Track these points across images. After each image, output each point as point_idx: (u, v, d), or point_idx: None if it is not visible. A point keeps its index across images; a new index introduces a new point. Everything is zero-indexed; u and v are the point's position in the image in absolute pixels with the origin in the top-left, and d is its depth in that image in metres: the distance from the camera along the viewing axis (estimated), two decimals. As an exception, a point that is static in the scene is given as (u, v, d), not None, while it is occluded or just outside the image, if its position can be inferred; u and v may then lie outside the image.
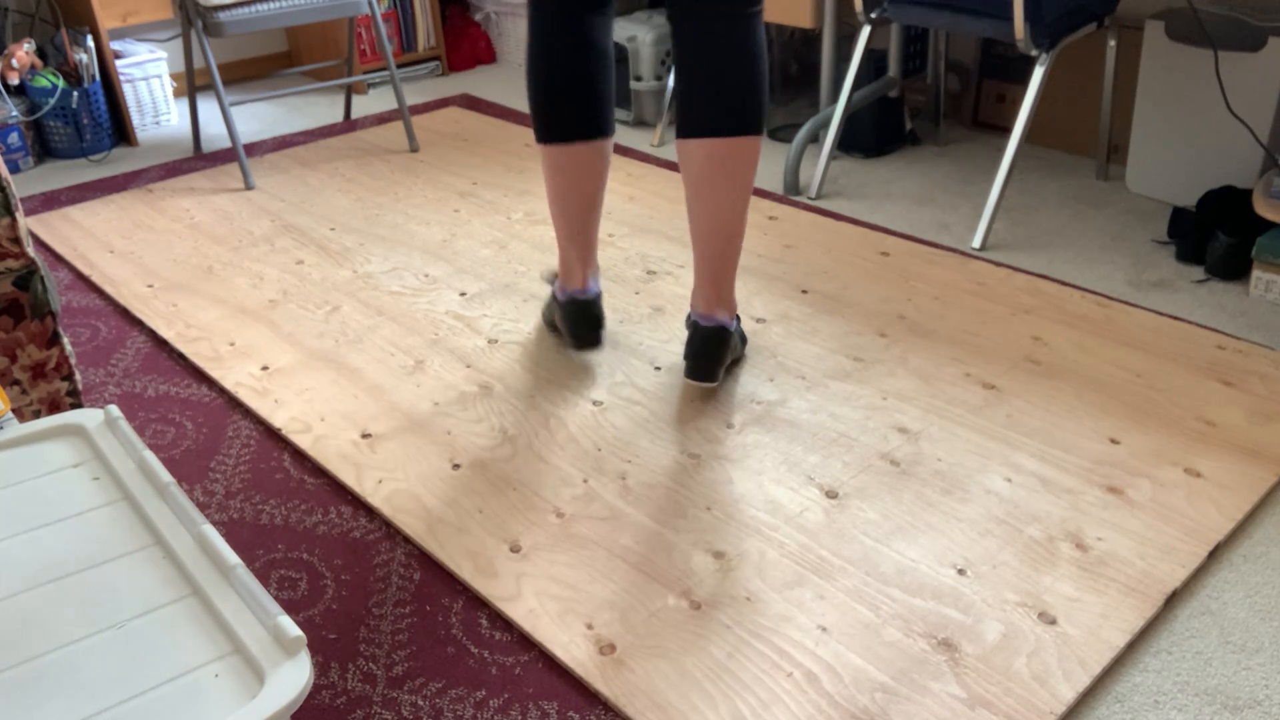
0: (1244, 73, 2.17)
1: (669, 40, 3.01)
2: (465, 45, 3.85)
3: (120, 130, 3.20)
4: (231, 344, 1.97)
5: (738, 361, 1.84)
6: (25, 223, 1.35)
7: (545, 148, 1.72)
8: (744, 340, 1.85)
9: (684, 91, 1.61)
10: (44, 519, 0.88)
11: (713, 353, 1.69)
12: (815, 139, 2.79)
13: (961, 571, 1.35)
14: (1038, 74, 2.20)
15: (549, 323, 1.96)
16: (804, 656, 1.23)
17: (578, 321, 1.80)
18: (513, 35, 3.82)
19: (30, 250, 1.36)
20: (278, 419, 1.73)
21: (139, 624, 0.77)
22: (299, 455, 1.66)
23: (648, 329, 1.96)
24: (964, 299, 2.02)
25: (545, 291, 2.12)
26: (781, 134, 2.99)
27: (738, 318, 1.79)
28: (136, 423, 1.76)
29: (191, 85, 2.98)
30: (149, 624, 0.77)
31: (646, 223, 2.42)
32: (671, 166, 2.78)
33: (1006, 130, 2.88)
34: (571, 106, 1.67)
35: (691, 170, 1.62)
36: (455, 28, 3.85)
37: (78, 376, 1.46)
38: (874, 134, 2.77)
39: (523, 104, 3.38)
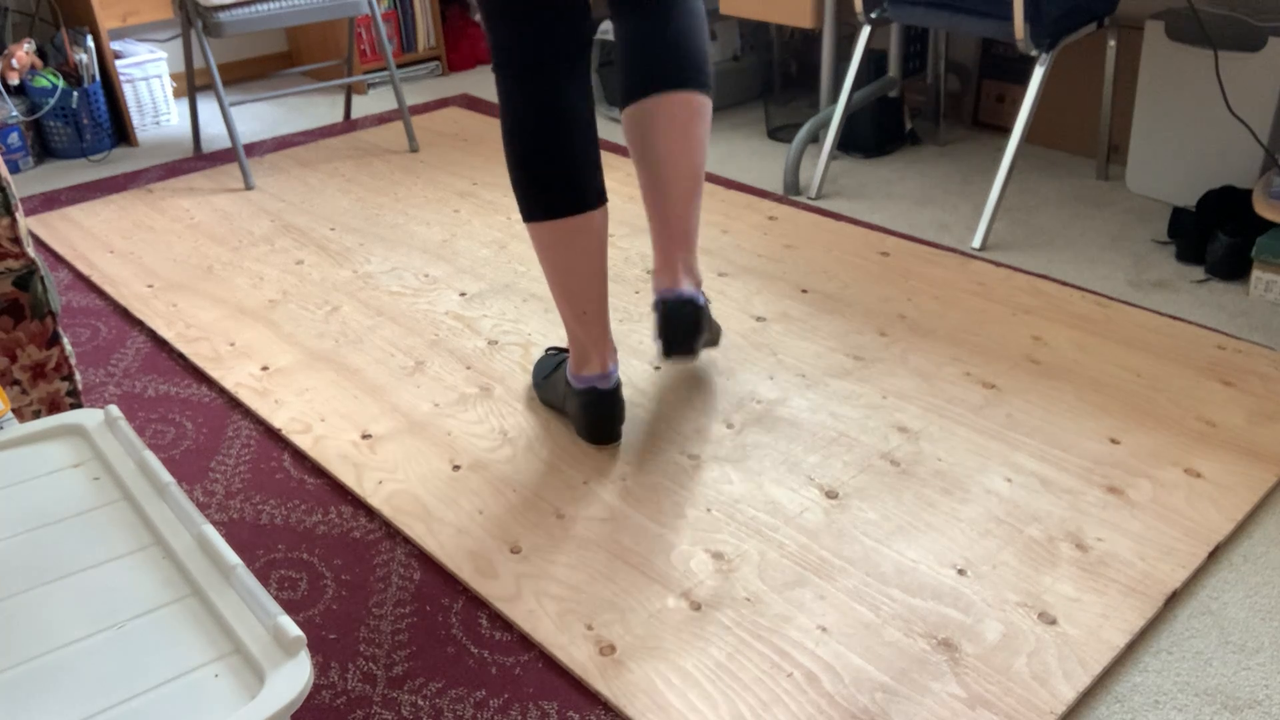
0: (1244, 73, 2.17)
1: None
2: (465, 45, 3.85)
3: (120, 130, 3.20)
4: (231, 344, 1.97)
5: (715, 342, 1.83)
6: (25, 223, 1.35)
7: (531, 226, 1.54)
8: (716, 326, 1.85)
9: (631, 58, 1.54)
10: (44, 519, 0.88)
11: (689, 325, 1.59)
12: (815, 139, 2.79)
13: (962, 571, 1.35)
14: (1038, 74, 2.20)
15: (548, 402, 1.73)
16: (804, 657, 1.23)
17: (598, 415, 1.61)
18: (513, 35, 3.82)
19: (30, 250, 1.36)
20: (278, 419, 1.73)
21: (139, 624, 0.77)
22: (299, 455, 1.66)
23: (648, 329, 1.96)
24: (964, 299, 2.02)
25: (549, 292, 2.11)
26: (781, 134, 2.99)
27: (705, 298, 1.70)
28: (136, 423, 1.76)
29: (191, 85, 2.98)
30: (149, 624, 0.77)
31: (646, 222, 2.42)
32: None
33: (1006, 130, 2.88)
34: (553, 181, 1.51)
35: (649, 129, 1.54)
36: (455, 28, 3.85)
37: (78, 376, 1.46)
38: (874, 134, 2.77)
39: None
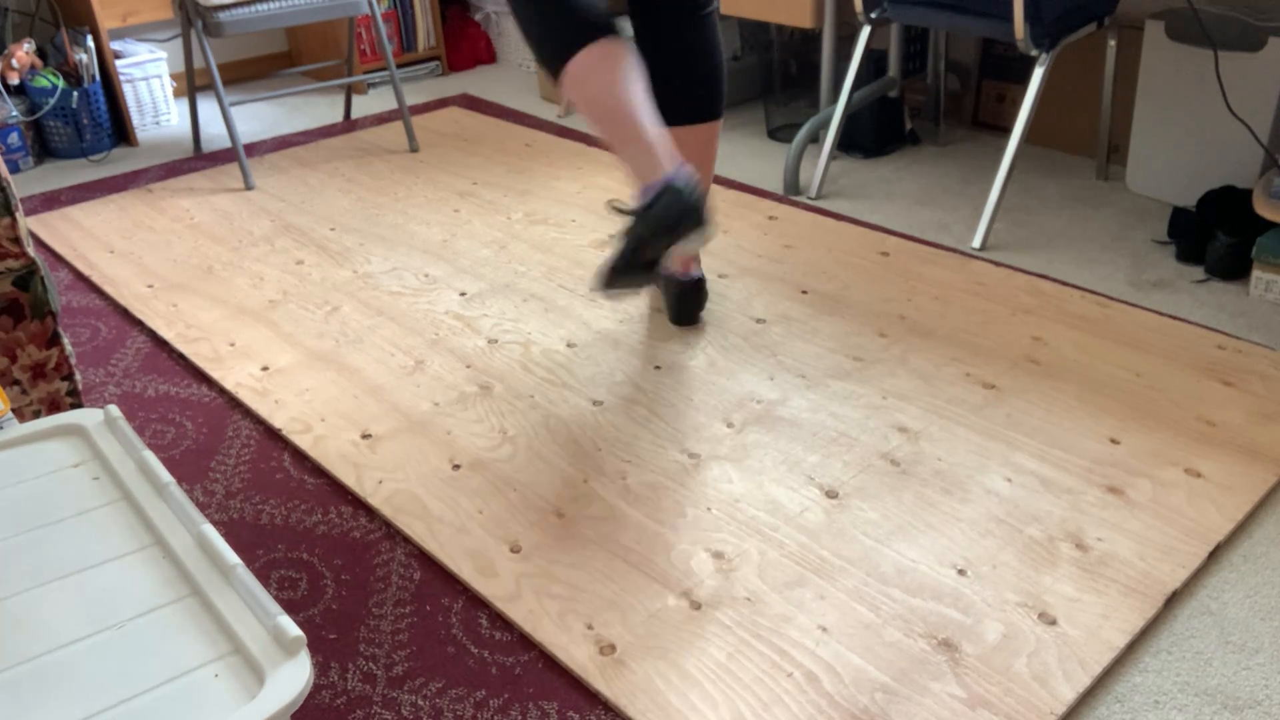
0: (1244, 73, 2.17)
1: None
2: (465, 45, 3.85)
3: (120, 130, 3.20)
4: (231, 344, 1.97)
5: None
6: (25, 223, 1.35)
7: (565, 67, 1.59)
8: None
9: (657, 76, 1.67)
10: (44, 519, 0.88)
11: (695, 301, 1.94)
12: (815, 139, 2.79)
13: (962, 572, 1.35)
14: (1038, 74, 2.20)
15: (628, 254, 1.54)
16: (804, 657, 1.23)
17: (683, 206, 1.51)
18: (513, 35, 3.82)
19: (30, 250, 1.36)
20: (278, 419, 1.73)
21: (139, 624, 0.77)
22: (299, 455, 1.66)
23: (648, 329, 1.96)
24: (964, 299, 2.02)
25: (549, 292, 2.12)
26: (781, 134, 2.99)
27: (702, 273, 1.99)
28: (136, 423, 1.76)
29: (191, 85, 2.98)
30: (149, 624, 0.77)
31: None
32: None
33: (1006, 130, 2.88)
34: (563, 23, 1.58)
35: None
36: (455, 28, 3.85)
37: (78, 376, 1.46)
38: (874, 134, 2.77)
39: (523, 104, 3.38)
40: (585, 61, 1.59)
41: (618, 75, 1.59)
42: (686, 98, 1.78)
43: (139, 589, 0.80)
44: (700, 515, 1.47)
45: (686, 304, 1.94)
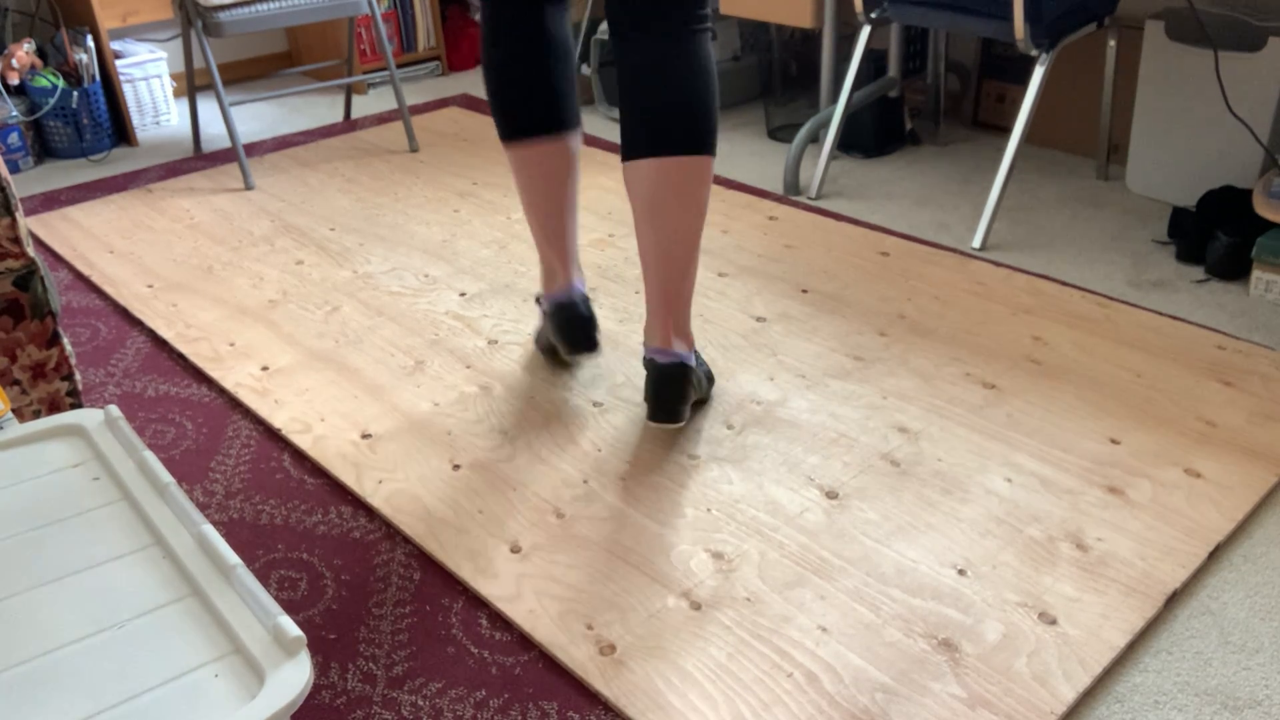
0: (1244, 73, 2.17)
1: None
2: (465, 45, 3.85)
3: (120, 130, 3.20)
4: (231, 344, 1.97)
5: (704, 401, 1.71)
6: (25, 223, 1.35)
7: (507, 146, 1.66)
8: (710, 380, 1.73)
9: (629, 111, 1.51)
10: (44, 519, 0.88)
11: (676, 391, 1.57)
12: (815, 139, 2.79)
13: (962, 572, 1.35)
14: (1038, 74, 2.20)
15: (545, 349, 1.85)
16: (804, 657, 1.23)
17: (568, 325, 1.69)
18: (513, 35, 3.82)
19: (30, 250, 1.36)
20: (278, 419, 1.73)
21: (139, 624, 0.77)
22: (299, 455, 1.66)
23: (648, 329, 1.96)
24: (964, 299, 2.02)
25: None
26: (781, 134, 2.99)
27: (698, 354, 1.70)
28: (136, 423, 1.76)
29: (191, 85, 2.98)
30: (149, 624, 0.77)
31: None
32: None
33: (1006, 130, 2.88)
34: (528, 102, 1.61)
35: (640, 194, 1.52)
36: (455, 28, 3.85)
37: (78, 376, 1.46)
38: (874, 134, 2.77)
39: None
40: (521, 153, 1.65)
41: (544, 179, 1.66)
42: (656, 125, 1.50)
43: (139, 589, 0.80)
44: (700, 516, 1.47)
45: (662, 393, 1.58)
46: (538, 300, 1.82)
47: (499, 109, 1.65)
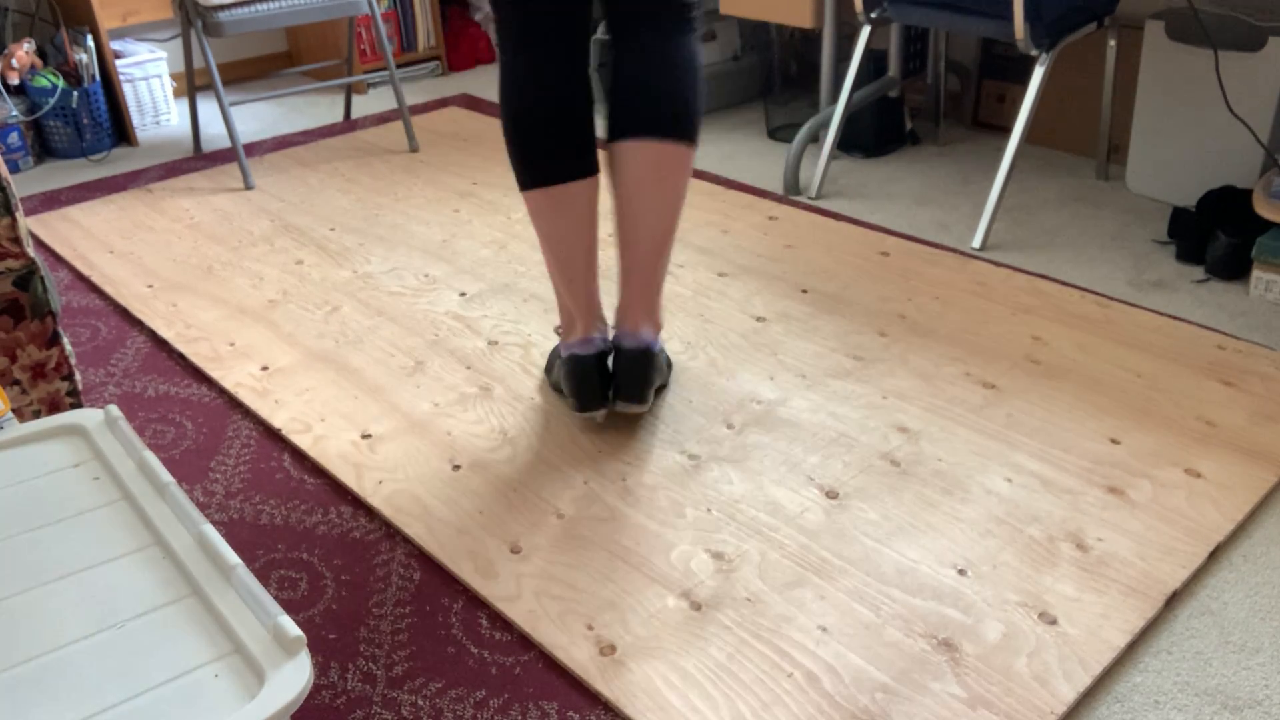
0: (1244, 73, 2.17)
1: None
2: (465, 45, 3.85)
3: (120, 130, 3.20)
4: (231, 344, 1.97)
5: (664, 387, 1.75)
6: (25, 223, 1.35)
7: (531, 194, 1.59)
8: (669, 365, 1.78)
9: (618, 95, 1.55)
10: (44, 519, 0.88)
11: (641, 374, 1.60)
12: (815, 139, 2.79)
13: (962, 572, 1.35)
14: (1038, 74, 2.20)
15: (553, 386, 1.78)
16: (804, 657, 1.23)
17: (581, 385, 1.62)
18: (513, 35, 3.82)
19: (30, 250, 1.36)
20: (278, 419, 1.73)
21: (139, 624, 0.77)
22: (299, 455, 1.66)
23: (648, 329, 1.96)
24: (964, 299, 2.02)
25: (548, 293, 2.12)
26: (781, 134, 2.99)
27: (661, 344, 1.71)
28: (136, 423, 1.76)
29: (191, 85, 2.98)
30: (149, 624, 0.77)
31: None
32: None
33: (1006, 130, 2.88)
34: (557, 145, 1.56)
35: (623, 174, 1.56)
36: (455, 28, 3.85)
37: (78, 376, 1.46)
38: (874, 134, 2.77)
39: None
40: (540, 200, 1.59)
41: (565, 225, 1.60)
42: (642, 110, 1.57)
43: (139, 589, 0.80)
44: (700, 516, 1.47)
45: (627, 376, 1.61)
46: (557, 330, 1.81)
47: (523, 154, 1.58)
